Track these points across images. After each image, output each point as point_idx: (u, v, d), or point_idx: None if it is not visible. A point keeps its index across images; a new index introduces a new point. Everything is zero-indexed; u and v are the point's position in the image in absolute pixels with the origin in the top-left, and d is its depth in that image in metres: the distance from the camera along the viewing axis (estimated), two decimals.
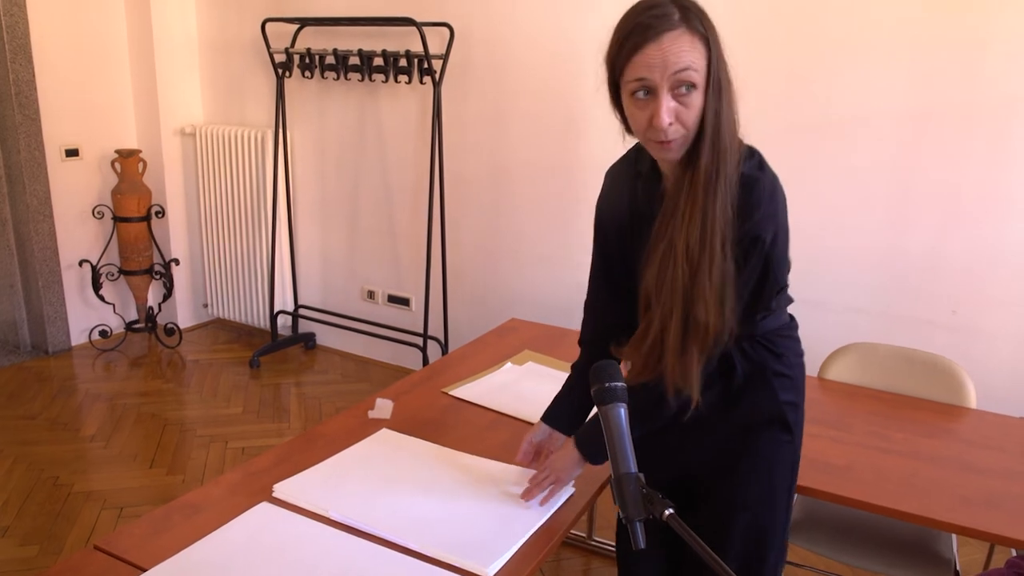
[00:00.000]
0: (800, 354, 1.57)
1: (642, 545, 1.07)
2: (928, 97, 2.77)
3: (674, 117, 1.27)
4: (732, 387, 1.49)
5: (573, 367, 1.73)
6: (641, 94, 1.27)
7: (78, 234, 4.32)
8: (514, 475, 1.70)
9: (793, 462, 1.56)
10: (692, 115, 1.27)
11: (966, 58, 2.69)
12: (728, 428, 1.51)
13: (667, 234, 1.35)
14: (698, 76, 1.25)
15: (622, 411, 1.15)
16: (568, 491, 1.64)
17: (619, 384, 1.17)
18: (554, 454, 1.64)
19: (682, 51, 1.23)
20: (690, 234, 1.31)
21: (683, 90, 1.25)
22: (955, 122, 2.75)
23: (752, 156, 1.37)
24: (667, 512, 1.04)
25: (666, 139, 1.28)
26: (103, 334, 4.40)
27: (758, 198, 1.32)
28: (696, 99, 1.26)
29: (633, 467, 1.11)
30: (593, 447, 1.56)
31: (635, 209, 1.49)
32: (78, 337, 4.39)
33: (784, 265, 1.44)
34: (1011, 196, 2.72)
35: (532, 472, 1.65)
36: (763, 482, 1.52)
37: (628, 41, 1.26)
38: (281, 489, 1.59)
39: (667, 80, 1.24)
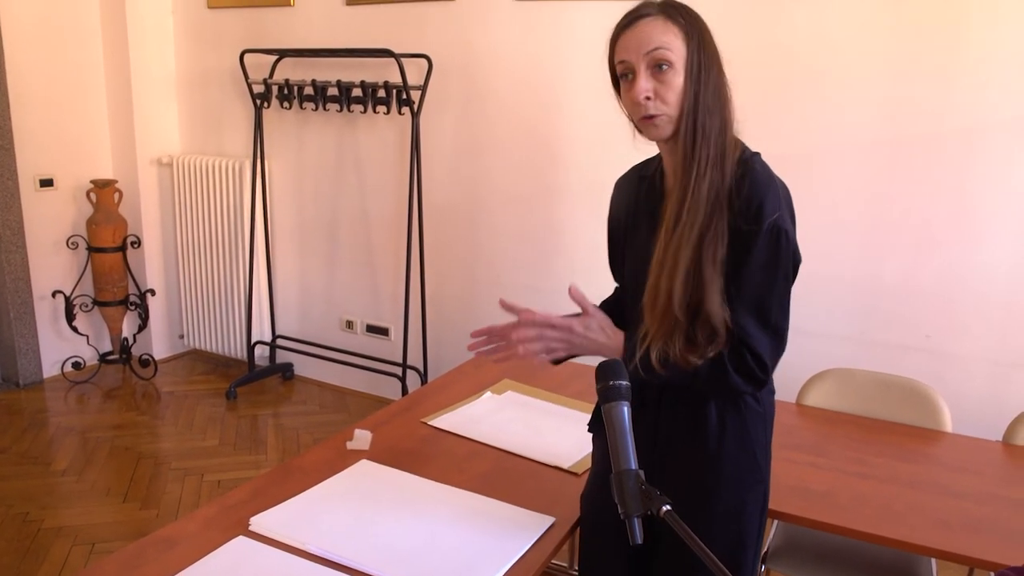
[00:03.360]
0: (772, 391, 1.56)
1: (639, 540, 1.08)
2: (897, 127, 2.83)
3: (653, 93, 1.36)
4: (707, 418, 1.47)
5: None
6: (627, 76, 1.38)
7: (52, 265, 4.27)
8: (494, 508, 1.69)
9: (763, 503, 1.54)
10: (670, 93, 1.36)
11: (933, 90, 2.75)
12: (699, 461, 1.49)
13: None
14: (673, 56, 1.35)
15: (625, 409, 1.16)
16: (548, 521, 1.62)
17: (623, 383, 1.18)
18: (596, 319, 1.51)
19: (655, 32, 1.35)
20: (674, 209, 1.38)
21: (660, 68, 1.35)
22: (924, 152, 2.81)
23: (756, 154, 1.45)
24: (664, 508, 1.06)
25: (647, 114, 1.37)
26: (76, 366, 4.34)
27: (775, 201, 1.38)
28: (674, 78, 1.36)
29: (634, 464, 1.12)
30: (635, 356, 1.43)
31: (638, 209, 1.55)
32: (50, 369, 4.32)
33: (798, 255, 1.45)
34: (978, 223, 2.77)
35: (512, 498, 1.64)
36: (735, 524, 1.51)
37: (614, 34, 1.40)
38: (258, 522, 1.57)
39: (643, 59, 1.35)
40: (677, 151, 1.40)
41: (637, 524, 1.09)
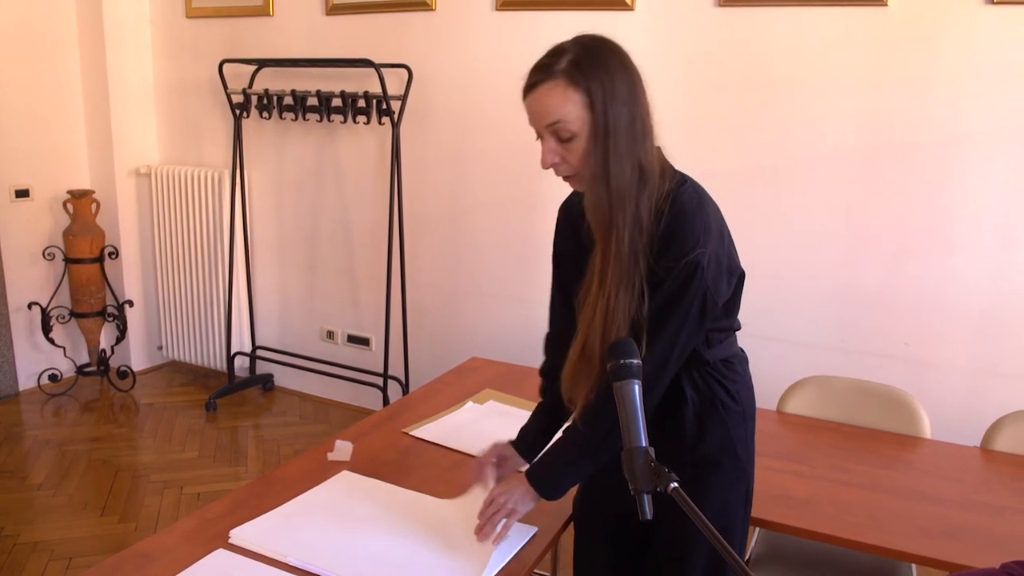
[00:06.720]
0: (750, 388, 1.58)
1: (649, 516, 1.11)
2: (874, 139, 2.86)
3: (560, 158, 1.36)
4: (684, 420, 1.49)
5: (542, 391, 1.71)
6: (538, 135, 1.38)
7: (28, 276, 4.22)
8: (476, 518, 1.68)
9: (747, 498, 1.57)
10: (575, 157, 1.36)
11: (908, 101, 2.79)
12: (681, 463, 1.50)
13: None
14: (574, 126, 1.32)
15: (636, 387, 1.18)
16: (531, 530, 1.62)
17: (635, 361, 1.20)
18: (501, 485, 1.58)
19: (553, 105, 1.32)
20: (597, 267, 1.39)
21: (562, 138, 1.34)
22: (900, 163, 2.84)
23: (684, 183, 1.40)
24: (672, 486, 1.08)
25: (559, 175, 1.39)
26: (53, 378, 4.28)
27: (695, 237, 1.36)
28: (577, 145, 1.34)
29: (644, 441, 1.15)
30: (545, 481, 1.52)
31: (583, 236, 1.53)
32: (26, 382, 4.26)
33: (720, 286, 1.43)
34: (954, 233, 2.81)
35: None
36: (720, 522, 1.51)
37: (523, 90, 1.38)
38: (238, 535, 1.55)
39: (544, 129, 1.35)
40: (593, 204, 1.39)
41: (647, 500, 1.11)
